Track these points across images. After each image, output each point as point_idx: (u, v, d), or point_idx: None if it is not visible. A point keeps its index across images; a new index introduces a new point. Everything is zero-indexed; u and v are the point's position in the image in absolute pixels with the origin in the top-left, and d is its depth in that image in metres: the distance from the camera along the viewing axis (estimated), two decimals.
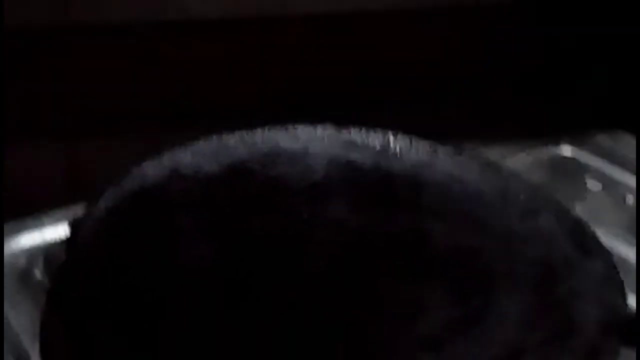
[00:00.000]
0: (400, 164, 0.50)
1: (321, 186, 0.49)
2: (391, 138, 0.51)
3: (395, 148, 0.51)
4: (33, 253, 0.43)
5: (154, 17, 0.59)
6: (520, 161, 0.59)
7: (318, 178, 0.49)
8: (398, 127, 0.52)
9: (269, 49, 0.61)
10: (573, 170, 0.59)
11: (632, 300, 0.44)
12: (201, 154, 0.47)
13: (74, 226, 0.39)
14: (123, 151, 0.53)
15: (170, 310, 0.36)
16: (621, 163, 0.59)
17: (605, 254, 0.41)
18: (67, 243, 0.38)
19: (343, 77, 0.63)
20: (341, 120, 0.51)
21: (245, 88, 0.62)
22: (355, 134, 0.51)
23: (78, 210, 0.40)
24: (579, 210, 0.54)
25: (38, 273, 0.41)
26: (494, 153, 0.59)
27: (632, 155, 0.59)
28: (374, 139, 0.51)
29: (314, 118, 0.54)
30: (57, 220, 0.44)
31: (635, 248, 0.50)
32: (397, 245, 0.44)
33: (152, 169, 0.43)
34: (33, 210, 0.48)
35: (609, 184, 0.57)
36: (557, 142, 0.60)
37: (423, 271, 0.42)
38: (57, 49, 0.57)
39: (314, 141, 0.51)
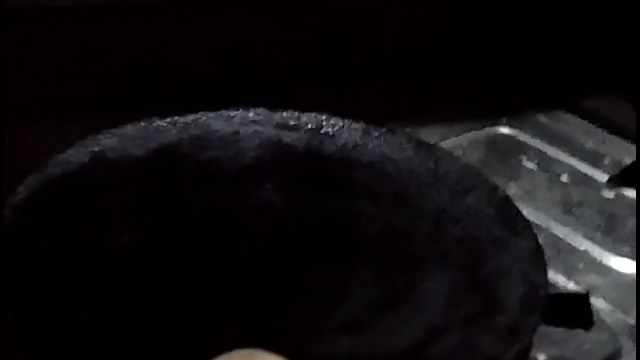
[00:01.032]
0: (333, 145, 0.50)
1: (252, 169, 0.48)
2: (324, 119, 0.51)
3: (328, 129, 0.51)
4: None
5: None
6: (459, 141, 0.59)
7: (249, 161, 0.49)
8: (335, 109, 0.51)
9: (206, 29, 0.60)
10: (510, 149, 0.58)
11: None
12: (128, 138, 0.46)
13: None
14: (62, 137, 0.52)
15: (89, 299, 0.36)
16: (558, 142, 0.59)
17: (531, 232, 0.41)
18: None
19: (278, 59, 0.63)
20: (276, 104, 0.51)
21: (183, 74, 0.62)
22: (288, 116, 0.51)
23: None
24: (514, 188, 0.54)
25: None
26: (433, 133, 0.59)
27: (570, 134, 0.60)
28: (307, 120, 0.51)
29: (252, 102, 0.53)
30: None
31: (566, 226, 0.50)
32: (326, 228, 0.44)
33: (75, 155, 0.43)
34: None
35: (544, 163, 0.57)
36: (496, 122, 0.61)
37: (350, 255, 0.42)
38: None
39: (246, 124, 0.50)
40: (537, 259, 0.39)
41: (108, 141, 0.44)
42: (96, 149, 0.43)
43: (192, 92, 0.58)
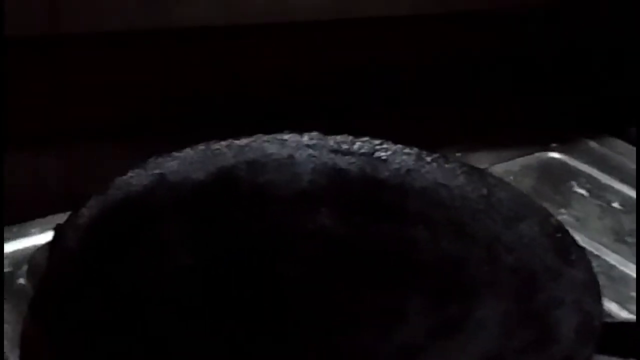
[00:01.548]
0: (387, 171, 0.51)
1: (307, 194, 0.49)
2: (377, 144, 0.52)
3: (381, 154, 0.52)
4: (17, 259, 0.43)
5: (143, 25, 0.59)
6: (509, 167, 0.59)
7: (304, 185, 0.50)
8: (387, 134, 0.52)
9: (253, 56, 0.62)
10: (561, 176, 0.58)
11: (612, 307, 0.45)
12: (188, 162, 0.47)
13: (57, 233, 0.39)
14: (119, 159, 0.54)
15: (150, 321, 0.37)
16: (609, 168, 0.59)
17: (585, 261, 0.41)
18: (50, 250, 0.38)
19: (330, 84, 0.64)
20: (330, 128, 0.52)
21: (235, 95, 0.63)
22: (342, 141, 0.52)
23: (64, 218, 0.41)
24: (566, 215, 0.54)
25: (21, 279, 0.42)
26: (483, 159, 0.59)
27: (621, 160, 0.60)
28: (361, 145, 0.52)
29: (301, 126, 0.54)
30: (43, 228, 0.44)
31: (618, 254, 0.51)
32: (381, 254, 0.45)
33: (137, 178, 0.44)
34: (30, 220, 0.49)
35: (595, 189, 0.57)
36: (546, 148, 0.61)
37: (405, 281, 0.42)
38: (47, 59, 0.58)
39: (300, 148, 0.51)
40: (592, 289, 0.39)
41: (168, 164, 0.45)
42: (157, 171, 0.44)
43: (242, 116, 0.59)
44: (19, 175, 0.54)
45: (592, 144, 0.59)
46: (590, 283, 0.40)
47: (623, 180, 0.56)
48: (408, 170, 0.49)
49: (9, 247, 0.43)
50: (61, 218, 0.40)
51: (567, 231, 0.44)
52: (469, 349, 0.37)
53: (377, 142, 0.51)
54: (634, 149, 0.59)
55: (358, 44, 0.63)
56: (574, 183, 0.56)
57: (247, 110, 0.63)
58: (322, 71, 0.63)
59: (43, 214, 0.48)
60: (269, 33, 0.62)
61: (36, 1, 0.56)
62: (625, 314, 0.44)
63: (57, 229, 0.40)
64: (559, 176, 0.56)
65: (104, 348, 0.35)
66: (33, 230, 0.45)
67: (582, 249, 0.42)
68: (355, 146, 0.50)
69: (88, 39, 0.58)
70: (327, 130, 0.53)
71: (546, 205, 0.55)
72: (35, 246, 0.43)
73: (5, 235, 0.44)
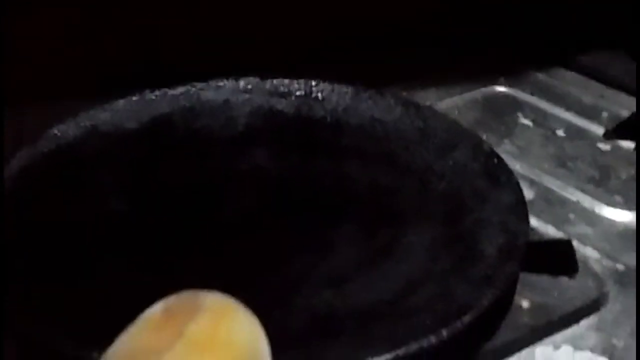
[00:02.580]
0: (322, 110, 0.51)
1: (242, 136, 0.49)
2: (314, 85, 0.52)
3: (318, 94, 0.52)
4: None
5: None
6: (455, 101, 0.59)
7: (240, 128, 0.50)
8: (341, 76, 0.52)
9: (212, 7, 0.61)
10: (506, 108, 0.58)
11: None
12: (121, 112, 0.47)
13: None
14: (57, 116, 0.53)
15: (86, 272, 0.37)
16: (555, 98, 0.59)
17: (514, 184, 0.41)
18: None
19: (283, 31, 0.64)
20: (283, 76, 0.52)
21: (191, 49, 0.63)
22: (279, 84, 0.52)
23: None
24: (508, 145, 0.54)
25: None
26: (430, 95, 0.59)
27: (568, 90, 0.60)
28: (297, 87, 0.52)
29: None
30: None
31: (559, 179, 0.50)
32: (314, 189, 0.45)
33: (68, 129, 0.44)
34: None
35: (540, 119, 0.57)
36: (493, 82, 0.60)
37: (336, 213, 0.42)
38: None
39: (236, 93, 0.51)
40: (518, 210, 0.39)
41: (100, 115, 0.45)
42: (89, 123, 0.45)
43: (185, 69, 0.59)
44: None
45: (539, 75, 0.59)
46: (517, 204, 0.40)
47: (569, 109, 0.56)
48: (344, 108, 0.49)
49: None
50: None
51: (498, 156, 0.44)
52: (394, 275, 0.37)
53: (314, 82, 0.51)
54: (580, 76, 0.59)
55: None
56: (519, 114, 0.56)
57: (200, 62, 0.63)
58: (276, 19, 0.63)
59: None
60: None
61: None
62: (561, 235, 0.44)
63: None
64: (504, 108, 0.56)
65: (42, 297, 0.35)
66: None
67: (511, 172, 0.42)
68: (292, 88, 0.50)
69: None
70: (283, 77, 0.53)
71: (489, 136, 0.55)
72: None
73: None
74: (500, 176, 0.42)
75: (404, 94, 0.58)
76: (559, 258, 0.40)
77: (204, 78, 0.52)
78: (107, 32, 0.59)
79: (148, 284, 0.36)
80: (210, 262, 0.39)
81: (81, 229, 0.39)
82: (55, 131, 0.43)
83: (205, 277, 0.38)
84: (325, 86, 0.50)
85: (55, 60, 0.58)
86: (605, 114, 0.56)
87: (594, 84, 0.59)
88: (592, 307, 0.40)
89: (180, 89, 0.48)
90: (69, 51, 0.59)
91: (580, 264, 0.42)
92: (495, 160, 0.43)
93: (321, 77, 0.52)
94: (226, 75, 0.52)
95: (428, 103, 0.56)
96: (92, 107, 0.46)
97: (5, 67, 0.59)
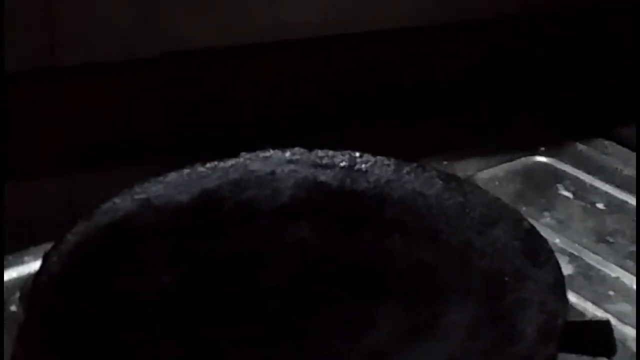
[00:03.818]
0: (365, 182, 0.52)
1: (287, 208, 0.51)
2: (357, 157, 0.53)
3: (361, 166, 0.53)
4: (9, 287, 0.45)
5: (140, 53, 0.62)
6: (495, 172, 0.60)
7: (285, 200, 0.51)
8: (377, 146, 0.53)
9: (245, 77, 0.64)
10: (546, 179, 0.59)
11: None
12: (173, 185, 0.49)
13: (44, 261, 0.41)
14: (120, 185, 0.56)
15: (131, 342, 0.38)
16: (595, 170, 0.59)
17: (553, 263, 0.42)
18: (35, 277, 0.40)
19: (323, 100, 0.65)
20: (325, 143, 0.53)
21: (237, 117, 0.65)
22: (323, 155, 0.53)
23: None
24: (548, 218, 0.55)
25: (13, 306, 0.44)
26: (470, 166, 0.60)
27: (608, 161, 0.60)
28: (341, 158, 0.53)
29: (299, 141, 0.55)
30: (37, 256, 0.45)
31: (598, 254, 0.51)
32: (356, 263, 0.46)
33: (122, 202, 0.46)
34: None
35: (580, 191, 0.57)
36: (532, 153, 0.61)
37: (378, 288, 0.44)
38: (46, 90, 0.60)
39: (282, 164, 0.53)
40: (558, 290, 0.40)
41: (154, 188, 0.47)
42: (142, 196, 0.46)
43: (232, 136, 0.61)
44: (20, 204, 0.56)
45: (579, 146, 0.60)
46: (556, 284, 0.41)
47: (608, 181, 0.56)
48: (387, 181, 0.51)
49: (4, 276, 0.45)
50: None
51: (538, 234, 0.45)
52: (434, 353, 0.38)
53: (357, 154, 0.53)
54: (621, 148, 0.60)
55: (344, 60, 0.65)
56: (559, 186, 0.56)
57: (246, 128, 0.65)
58: (316, 87, 0.65)
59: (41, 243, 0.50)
60: (265, 52, 0.64)
61: (34, 36, 0.59)
62: (601, 313, 0.45)
63: (45, 256, 0.42)
64: (544, 180, 0.57)
65: None
66: (27, 259, 0.47)
67: (551, 250, 0.43)
68: (336, 159, 0.52)
69: (85, 70, 0.61)
70: (323, 145, 0.55)
71: (530, 208, 0.56)
72: (29, 274, 0.45)
73: None
74: (540, 255, 0.42)
75: (444, 163, 0.59)
76: (598, 339, 0.41)
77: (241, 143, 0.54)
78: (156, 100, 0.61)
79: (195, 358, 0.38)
80: (252, 334, 0.40)
81: (131, 303, 0.41)
82: (110, 204, 0.45)
83: (248, 351, 0.39)
84: (369, 158, 0.51)
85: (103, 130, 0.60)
86: None
87: (634, 156, 0.60)
88: None
89: (230, 162, 0.50)
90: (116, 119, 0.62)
91: (618, 344, 0.42)
92: (536, 238, 0.44)
93: (362, 145, 0.54)
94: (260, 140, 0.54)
95: (469, 173, 0.58)
96: (145, 180, 0.48)
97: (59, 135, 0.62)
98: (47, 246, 0.44)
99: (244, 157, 0.51)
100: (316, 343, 0.39)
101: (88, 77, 0.60)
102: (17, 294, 0.42)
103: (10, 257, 0.46)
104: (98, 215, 0.44)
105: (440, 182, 0.49)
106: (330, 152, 0.52)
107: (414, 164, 0.51)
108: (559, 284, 0.40)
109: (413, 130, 0.63)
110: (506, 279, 0.42)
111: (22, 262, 0.46)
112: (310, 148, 0.53)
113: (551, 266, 0.42)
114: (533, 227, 0.45)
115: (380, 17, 0.65)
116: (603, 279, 0.48)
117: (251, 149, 0.53)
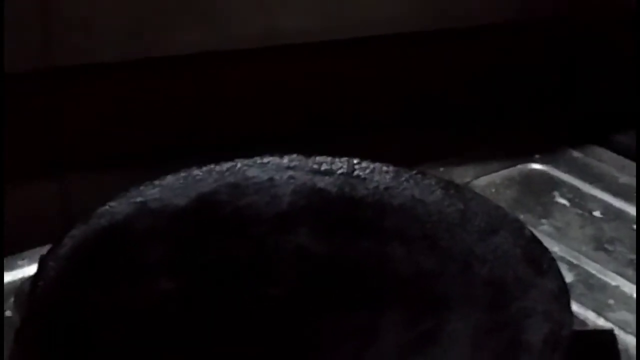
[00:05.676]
0: (365, 189, 0.52)
1: (286, 214, 0.50)
2: (356, 163, 0.53)
3: (360, 173, 0.53)
4: (5, 291, 0.45)
5: (135, 55, 0.61)
6: (492, 179, 0.60)
7: (283, 207, 0.51)
8: (373, 154, 0.53)
9: (240, 82, 0.63)
10: (543, 187, 0.58)
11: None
12: (169, 189, 0.48)
13: (40, 264, 0.41)
14: (114, 189, 0.55)
15: (132, 348, 0.38)
16: (591, 177, 0.59)
17: (556, 270, 0.42)
18: (32, 281, 0.39)
19: (320, 108, 0.65)
20: (321, 150, 0.53)
21: (232, 122, 0.64)
22: (322, 161, 0.53)
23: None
24: (546, 225, 0.55)
25: (8, 311, 0.43)
26: (467, 173, 0.60)
27: (604, 169, 0.60)
28: (340, 165, 0.53)
29: (295, 148, 0.55)
30: (31, 260, 0.45)
31: (597, 262, 0.51)
32: (357, 271, 0.46)
33: (119, 206, 0.45)
34: None
35: (577, 199, 0.57)
36: (529, 160, 0.61)
37: (380, 297, 0.43)
38: (42, 92, 0.59)
39: (280, 170, 0.52)
40: (561, 298, 0.40)
41: (150, 192, 0.46)
42: (139, 199, 0.46)
43: (227, 142, 0.60)
44: (16, 207, 0.56)
45: (575, 153, 0.60)
46: (560, 292, 0.40)
47: (605, 189, 0.56)
48: (386, 188, 0.50)
49: None
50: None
51: (539, 242, 0.45)
52: None
53: (356, 161, 0.52)
54: (617, 156, 0.60)
55: (340, 66, 0.64)
56: (555, 193, 0.56)
57: (242, 133, 0.64)
58: (311, 94, 0.64)
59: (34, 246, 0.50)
60: (260, 57, 0.64)
61: (31, 37, 0.58)
62: (602, 322, 0.45)
63: (41, 261, 0.41)
64: (540, 187, 0.57)
65: None
66: (20, 263, 0.46)
67: (553, 259, 0.43)
68: (335, 166, 0.52)
69: (81, 71, 0.60)
70: (321, 152, 0.55)
71: (527, 216, 0.56)
72: (23, 278, 0.45)
73: None
74: (542, 263, 0.42)
75: (441, 170, 0.59)
76: (602, 348, 0.40)
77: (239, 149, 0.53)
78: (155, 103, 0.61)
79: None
80: (251, 343, 0.40)
81: (129, 309, 0.40)
82: (107, 208, 0.44)
83: None
84: (367, 164, 0.51)
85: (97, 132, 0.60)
86: None
87: (629, 163, 0.60)
88: None
89: (225, 165, 0.49)
90: (116, 123, 0.61)
91: (621, 352, 0.42)
92: (537, 246, 0.44)
93: (359, 152, 0.54)
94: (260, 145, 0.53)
95: (465, 180, 0.57)
96: (141, 183, 0.47)
97: (54, 137, 0.61)
98: (42, 250, 0.43)
99: (241, 162, 0.51)
100: (317, 353, 0.39)
101: (84, 79, 0.59)
102: (12, 299, 0.42)
103: (4, 261, 0.45)
104: (94, 219, 0.43)
105: (440, 189, 0.49)
106: (329, 159, 0.51)
107: (413, 171, 0.50)
108: (563, 293, 0.40)
109: (409, 137, 0.63)
110: (509, 287, 0.42)
111: (16, 267, 0.46)
112: (307, 154, 0.52)
113: (554, 274, 0.41)
114: (534, 236, 0.45)
115: (376, 23, 0.64)
116: (603, 287, 0.48)
117: (247, 155, 0.52)
